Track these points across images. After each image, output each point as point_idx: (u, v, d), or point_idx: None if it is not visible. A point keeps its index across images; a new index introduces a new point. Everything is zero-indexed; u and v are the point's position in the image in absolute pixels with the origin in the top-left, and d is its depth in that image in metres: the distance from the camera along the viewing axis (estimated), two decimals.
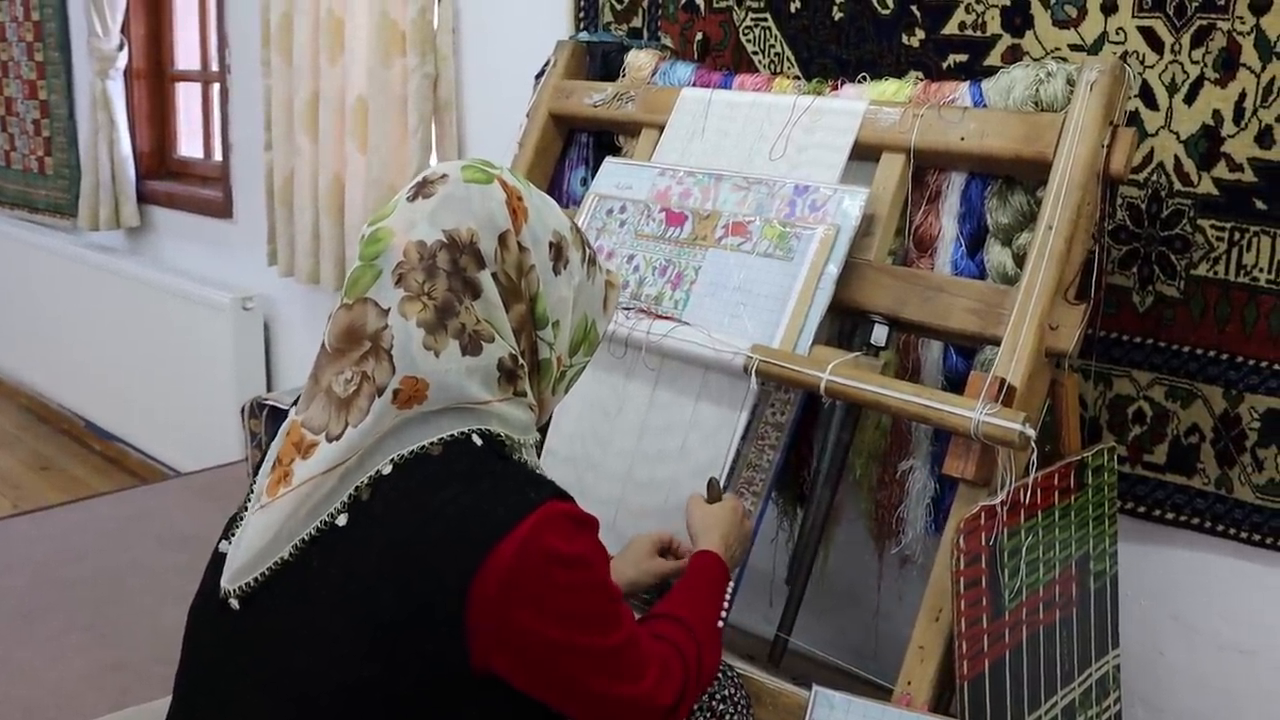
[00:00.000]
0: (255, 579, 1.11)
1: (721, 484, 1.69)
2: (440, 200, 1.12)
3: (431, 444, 1.09)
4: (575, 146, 2.28)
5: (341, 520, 1.08)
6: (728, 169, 1.90)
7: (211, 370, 3.86)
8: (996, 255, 1.77)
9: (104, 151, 4.28)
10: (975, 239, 1.80)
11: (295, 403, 1.17)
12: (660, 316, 1.81)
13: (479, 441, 1.10)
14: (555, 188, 2.29)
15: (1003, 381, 1.49)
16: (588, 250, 1.26)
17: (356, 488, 1.08)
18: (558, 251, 1.19)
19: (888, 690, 2.39)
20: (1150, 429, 1.91)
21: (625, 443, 1.86)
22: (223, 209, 3.94)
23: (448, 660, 1.05)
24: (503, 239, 1.12)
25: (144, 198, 4.37)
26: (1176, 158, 1.82)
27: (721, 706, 1.47)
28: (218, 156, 4.07)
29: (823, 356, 1.65)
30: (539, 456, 1.24)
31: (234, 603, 1.13)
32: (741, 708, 1.49)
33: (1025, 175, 1.71)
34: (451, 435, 1.09)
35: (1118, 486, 1.80)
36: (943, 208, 1.81)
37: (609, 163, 2.06)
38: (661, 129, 2.05)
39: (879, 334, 1.71)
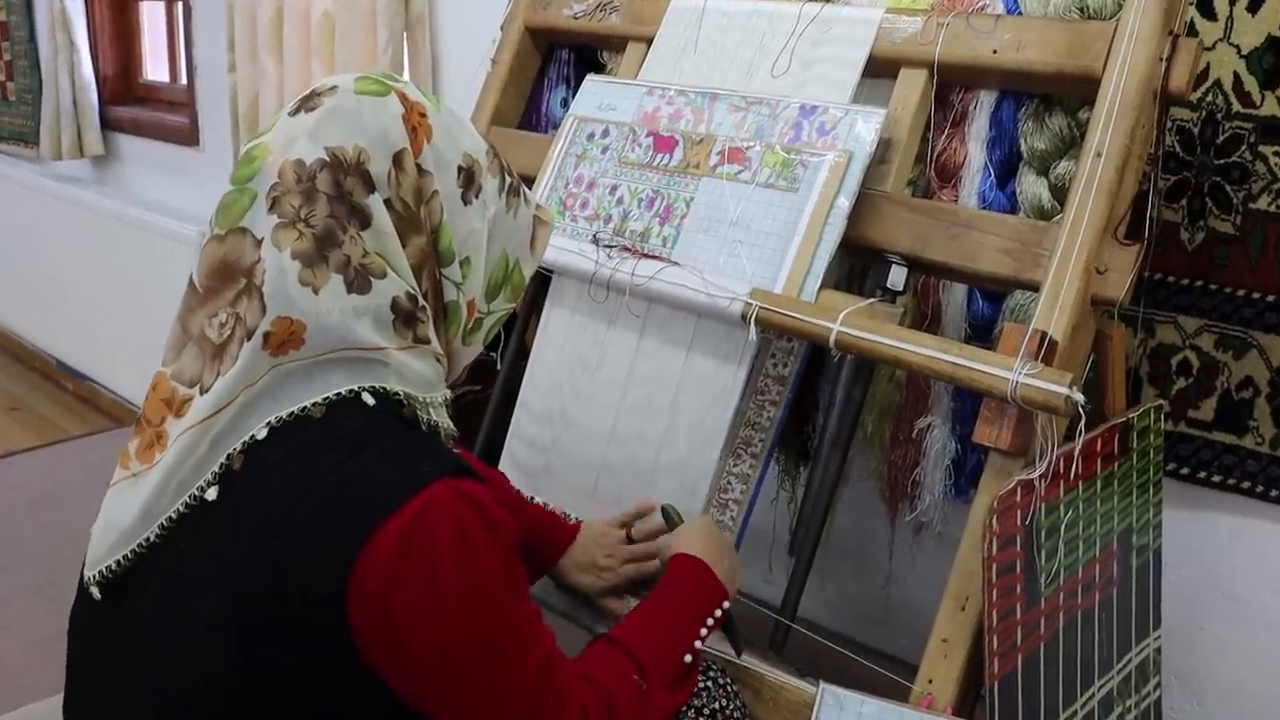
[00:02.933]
0: (118, 562, 0.98)
1: (675, 512, 1.50)
2: (325, 113, 0.98)
3: (314, 404, 0.94)
4: (555, 64, 2.05)
5: (211, 494, 0.94)
6: (724, 87, 1.67)
7: None
8: (1031, 186, 1.54)
9: (64, 75, 4.02)
10: (1006, 167, 1.57)
11: None
12: (647, 255, 1.59)
13: (370, 401, 0.96)
14: (533, 109, 2.06)
15: (1043, 335, 1.28)
16: (509, 179, 1.11)
17: (228, 456, 0.94)
18: (468, 177, 1.04)
19: (899, 661, 2.22)
20: (1197, 382, 1.71)
21: (608, 396, 1.65)
22: (189, 136, 3.70)
23: (331, 657, 0.92)
24: (398, 160, 0.98)
25: (109, 124, 4.11)
26: (1236, 75, 1.59)
27: None
28: (184, 80, 3.81)
29: (832, 303, 1.43)
30: (450, 416, 1.07)
31: (95, 591, 1.00)
32: None
33: (1067, 94, 1.49)
34: (338, 394, 0.95)
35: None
36: (969, 132, 1.58)
37: (590, 81, 1.82)
38: (649, 43, 1.81)
39: (896, 276, 1.49)
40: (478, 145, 1.06)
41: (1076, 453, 1.32)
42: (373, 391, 0.96)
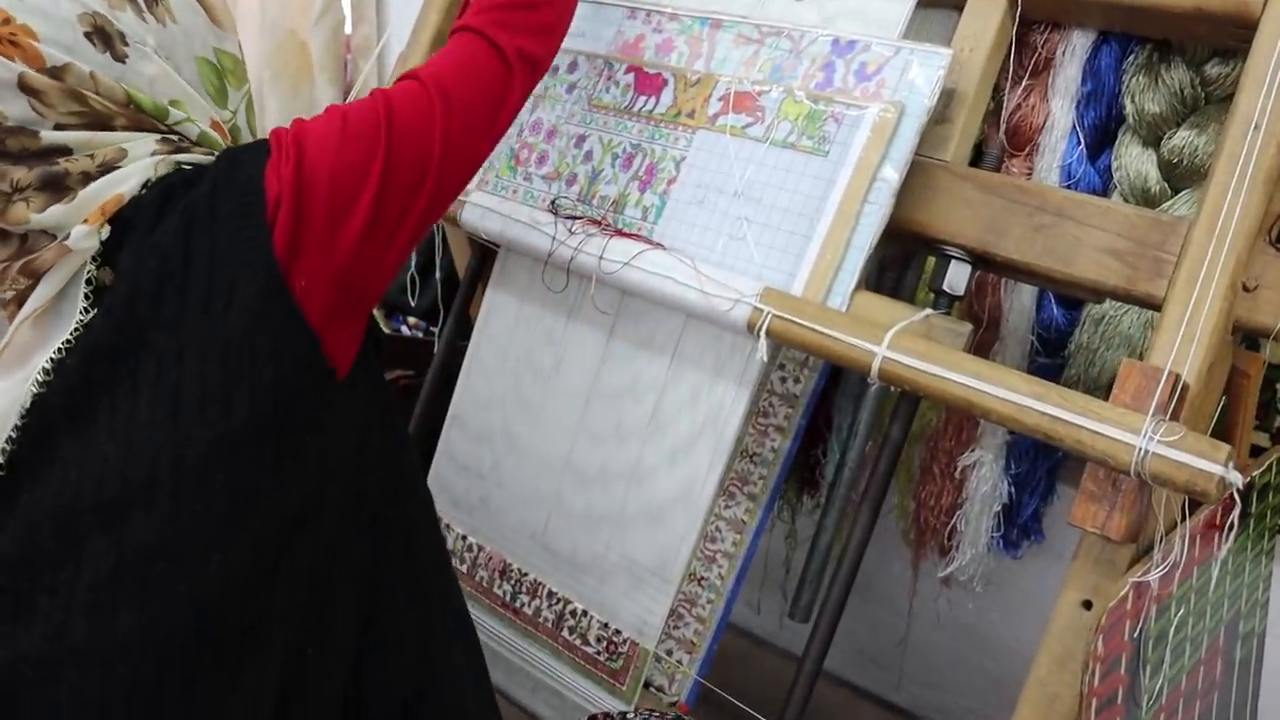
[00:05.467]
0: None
1: None
2: None
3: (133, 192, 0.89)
4: None
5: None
6: (730, 12, 1.27)
7: None
8: (1134, 161, 1.17)
9: None
10: (1101, 134, 1.20)
11: None
12: (621, 233, 1.20)
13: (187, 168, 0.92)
14: None
15: (1176, 379, 0.91)
16: None
17: (87, 281, 0.89)
18: (103, 36, 0.89)
19: (906, 714, 1.88)
20: None
21: (564, 412, 1.27)
22: None
23: (304, 371, 0.89)
24: (27, 87, 0.85)
25: None
26: None
27: None
28: None
29: (872, 313, 1.06)
30: None
31: None
32: None
33: (1199, 38, 1.11)
34: (145, 181, 0.90)
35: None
36: (1054, 84, 1.20)
37: None
38: None
39: (957, 276, 1.11)
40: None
41: (1197, 531, 0.96)
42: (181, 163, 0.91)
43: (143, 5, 0.92)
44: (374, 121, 0.91)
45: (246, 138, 1.00)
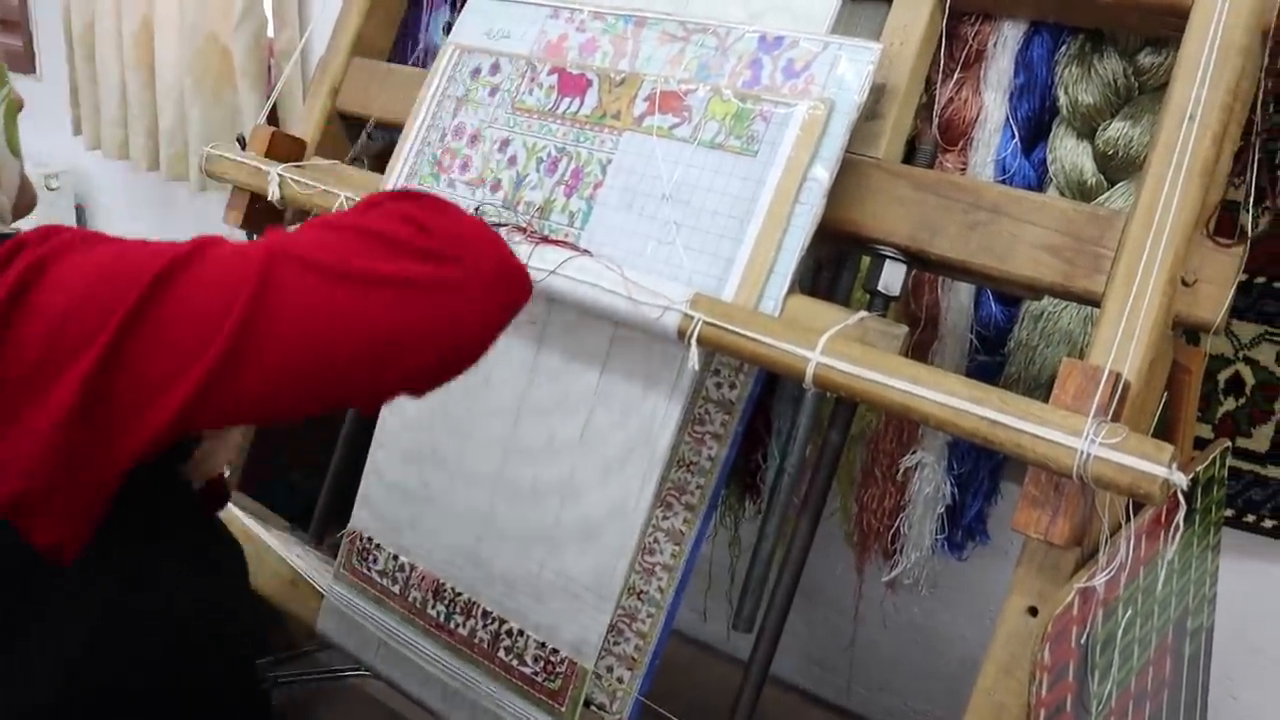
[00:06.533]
0: None
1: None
2: None
3: None
4: None
5: None
6: (654, 9, 1.24)
7: None
8: (1069, 154, 1.15)
9: None
10: (1035, 127, 1.18)
11: None
12: (548, 240, 1.16)
13: None
14: (408, 35, 1.61)
15: (1117, 378, 0.88)
16: None
17: None
18: None
19: (854, 717, 1.86)
20: (1250, 404, 1.35)
21: (493, 428, 1.23)
22: (25, 62, 3.15)
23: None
24: None
25: None
26: None
27: None
28: None
29: (807, 318, 1.02)
30: None
31: None
32: None
33: (1131, 28, 1.08)
34: None
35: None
36: (987, 76, 1.18)
37: None
38: None
39: (891, 277, 1.08)
40: None
41: (1142, 531, 0.94)
42: None
43: None
44: (147, 266, 0.67)
45: (2, 153, 0.85)
